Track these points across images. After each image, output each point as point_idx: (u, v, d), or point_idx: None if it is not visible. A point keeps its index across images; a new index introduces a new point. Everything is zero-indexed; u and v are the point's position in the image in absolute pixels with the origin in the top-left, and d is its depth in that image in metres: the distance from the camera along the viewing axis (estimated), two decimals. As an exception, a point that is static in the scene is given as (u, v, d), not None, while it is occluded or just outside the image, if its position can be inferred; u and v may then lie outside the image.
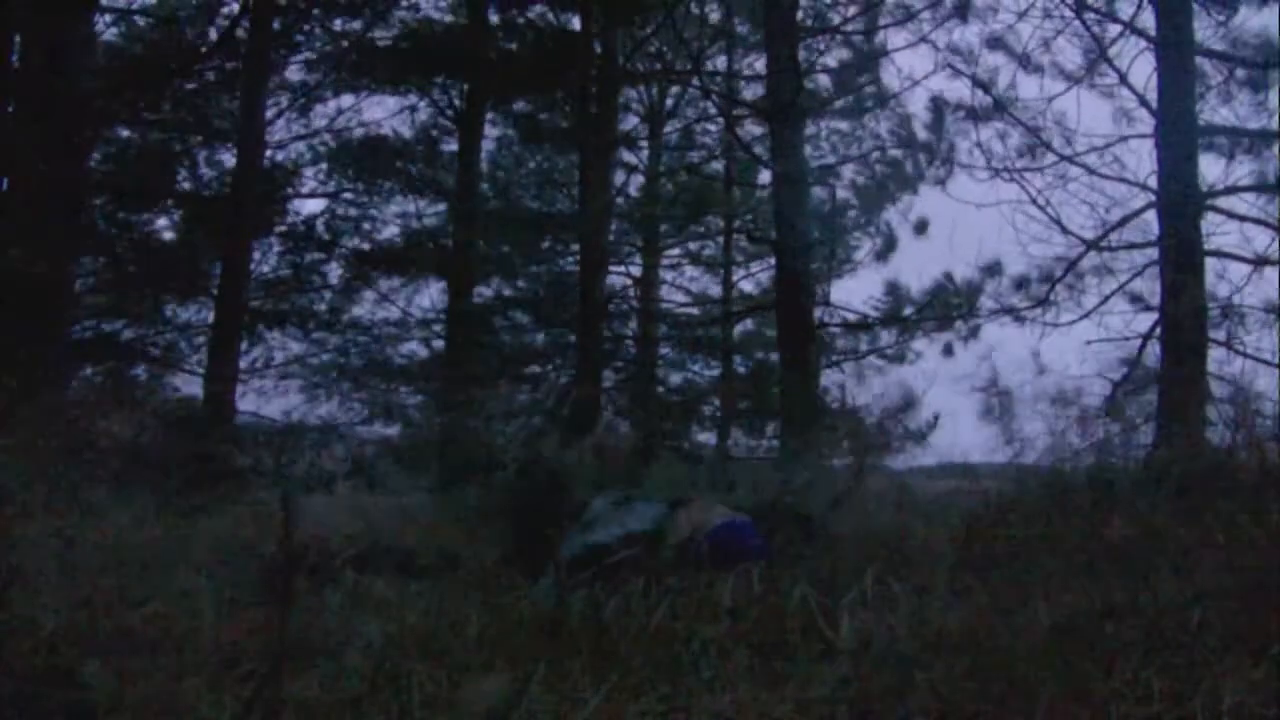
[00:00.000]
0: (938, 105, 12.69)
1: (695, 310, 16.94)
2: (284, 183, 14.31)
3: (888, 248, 14.97)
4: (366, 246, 14.61)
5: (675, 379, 16.46)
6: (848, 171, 15.62)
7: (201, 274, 13.42)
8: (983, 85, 11.80)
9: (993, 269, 12.28)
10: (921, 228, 14.49)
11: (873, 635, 3.11)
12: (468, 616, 3.59)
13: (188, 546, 4.65)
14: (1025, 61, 11.65)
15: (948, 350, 13.54)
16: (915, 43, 11.77)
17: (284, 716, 2.73)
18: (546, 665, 2.98)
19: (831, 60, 13.77)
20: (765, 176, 13.91)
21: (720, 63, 15.62)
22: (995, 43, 11.80)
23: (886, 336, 14.72)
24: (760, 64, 14.29)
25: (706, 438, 16.22)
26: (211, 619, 3.50)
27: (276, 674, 2.79)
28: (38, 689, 2.87)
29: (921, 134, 13.85)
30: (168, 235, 14.01)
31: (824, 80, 14.18)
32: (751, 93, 14.82)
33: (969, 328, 13.20)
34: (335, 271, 14.66)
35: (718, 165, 16.33)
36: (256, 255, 13.82)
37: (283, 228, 14.24)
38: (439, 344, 14.87)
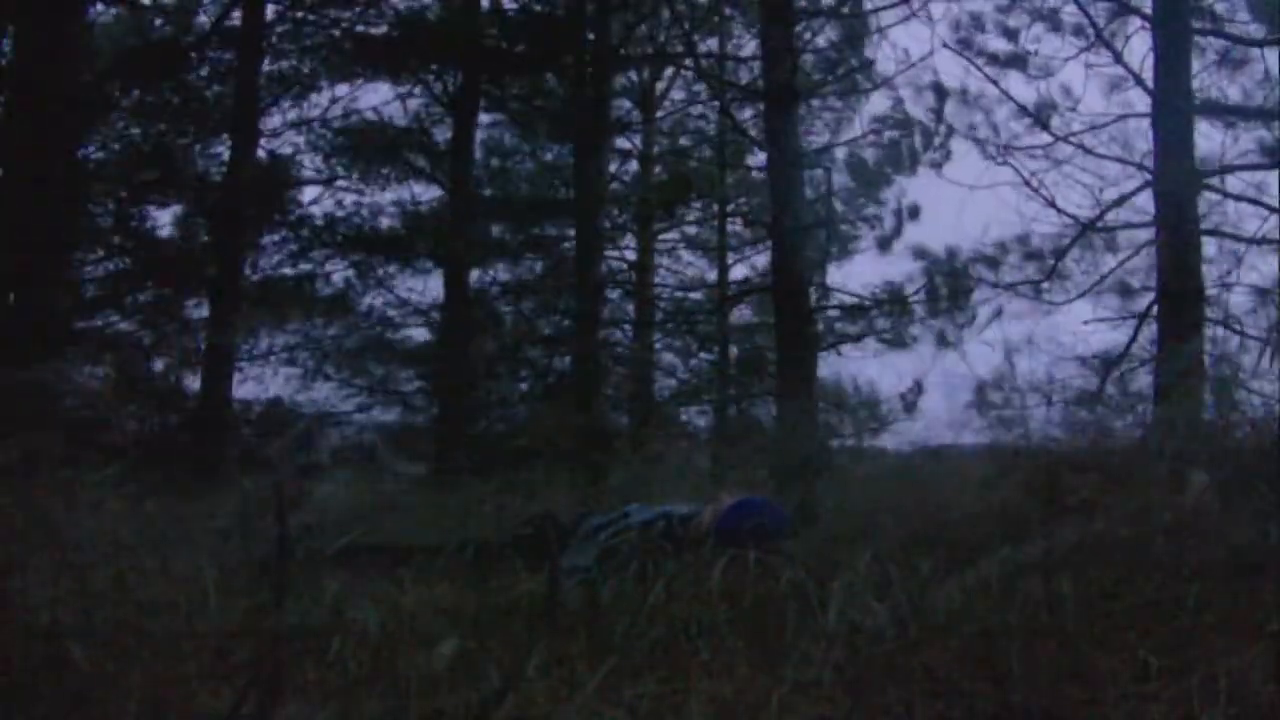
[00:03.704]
0: (938, 88, 12.64)
1: (693, 294, 16.95)
2: (281, 172, 14.29)
3: (888, 236, 14.95)
4: (364, 232, 14.60)
5: (672, 363, 16.47)
6: (842, 154, 15.59)
7: (200, 264, 13.41)
8: (979, 66, 11.76)
9: (995, 247, 12.23)
10: (914, 213, 14.46)
11: (867, 617, 3.11)
12: (463, 601, 3.59)
13: (183, 534, 4.65)
14: (1016, 39, 11.60)
15: (941, 339, 13.51)
16: (908, 17, 11.65)
17: (281, 703, 2.73)
18: (543, 649, 2.98)
19: (825, 41, 13.72)
20: (760, 159, 13.87)
21: (713, 45, 15.57)
22: (995, 17, 11.75)
23: (884, 321, 14.71)
24: (753, 46, 14.26)
25: (703, 421, 16.26)
26: (209, 607, 3.50)
27: (273, 661, 2.79)
28: (33, 679, 2.87)
29: (918, 115, 13.84)
30: (167, 227, 14.00)
31: (818, 61, 14.12)
32: (745, 75, 14.79)
33: (966, 310, 13.16)
34: (333, 258, 14.65)
35: (710, 150, 16.30)
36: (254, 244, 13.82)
37: (280, 217, 14.22)
38: (436, 330, 14.87)
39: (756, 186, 15.22)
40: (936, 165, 13.69)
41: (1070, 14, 11.49)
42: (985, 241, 12.21)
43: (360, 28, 14.01)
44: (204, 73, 13.54)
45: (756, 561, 3.86)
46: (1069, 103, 11.52)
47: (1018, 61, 11.66)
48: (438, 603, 3.64)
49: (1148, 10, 10.74)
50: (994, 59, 11.70)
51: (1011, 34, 11.75)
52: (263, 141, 13.69)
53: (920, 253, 13.17)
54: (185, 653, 3.09)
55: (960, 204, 14.16)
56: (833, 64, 13.85)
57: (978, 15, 11.78)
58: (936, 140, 13.72)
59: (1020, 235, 11.84)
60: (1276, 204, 10.66)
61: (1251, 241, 10.81)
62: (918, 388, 13.37)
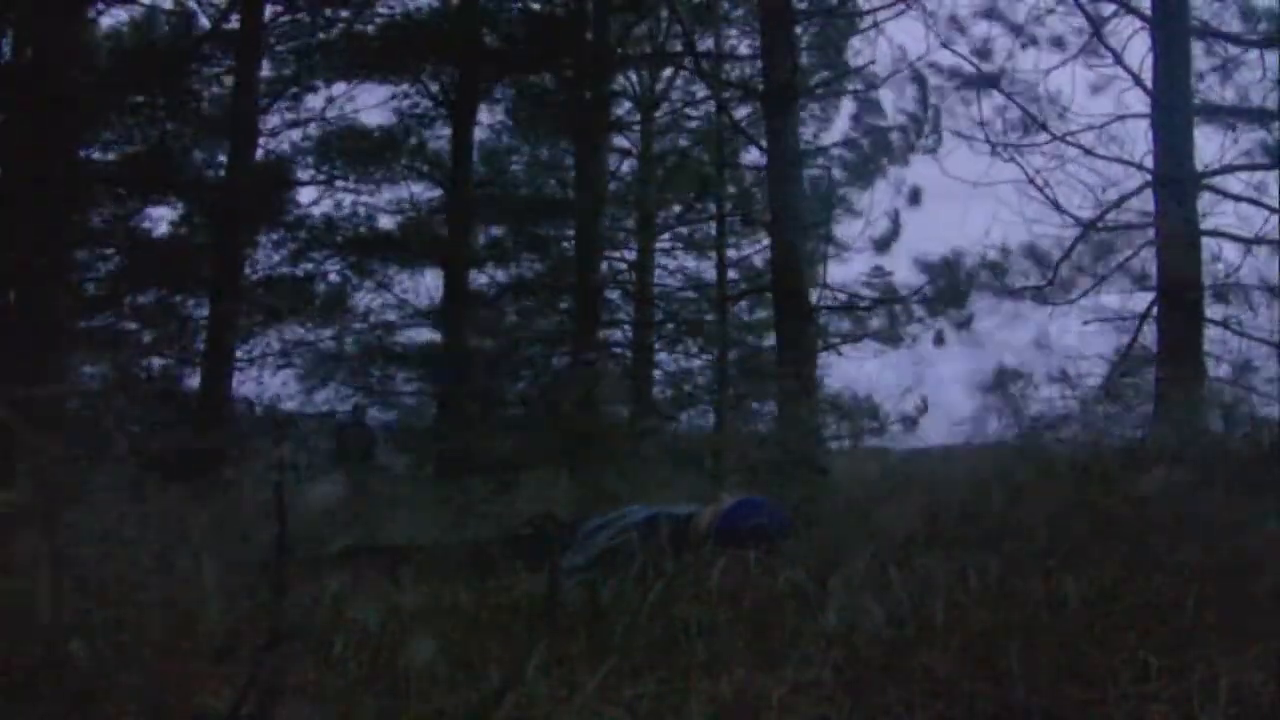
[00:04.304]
0: (919, 77, 12.61)
1: (691, 293, 16.93)
2: (279, 173, 14.30)
3: (887, 234, 14.93)
4: (363, 233, 14.60)
5: (672, 362, 16.45)
6: (840, 152, 15.57)
7: (199, 265, 13.41)
8: (984, 68, 11.75)
9: (994, 249, 12.20)
10: (915, 197, 14.43)
11: (867, 617, 3.11)
12: (463, 601, 3.59)
13: (183, 534, 4.65)
14: (1019, 33, 11.59)
15: (939, 338, 13.51)
16: (901, 12, 11.64)
17: (281, 702, 2.73)
18: (543, 649, 2.98)
19: (823, 40, 13.71)
20: (759, 158, 13.84)
21: (711, 44, 15.54)
22: (990, 16, 11.74)
23: (881, 319, 14.70)
24: (752, 45, 14.25)
25: (703, 421, 16.24)
26: (209, 606, 3.50)
27: (273, 660, 2.79)
28: (33, 679, 2.87)
29: (915, 111, 13.83)
30: (165, 227, 14.00)
31: (817, 59, 14.12)
32: (742, 73, 14.79)
33: (966, 309, 13.15)
34: (332, 258, 14.66)
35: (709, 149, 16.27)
36: (253, 244, 13.82)
37: (279, 217, 14.22)
38: (436, 331, 14.86)
39: (756, 186, 15.19)
40: (930, 151, 13.67)
41: (1060, 16, 11.49)
42: (986, 244, 12.20)
43: (359, 27, 14.01)
44: (203, 74, 13.55)
45: (756, 561, 3.86)
46: (1057, 108, 11.51)
47: (992, 80, 11.66)
48: (438, 603, 3.64)
49: (1147, 11, 10.74)
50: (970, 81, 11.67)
51: (986, 54, 11.76)
52: (261, 142, 13.70)
53: (922, 257, 13.16)
54: (185, 653, 3.08)
55: (959, 205, 14.14)
56: (830, 63, 13.85)
57: (959, 20, 11.75)
58: (926, 127, 13.70)
59: (1019, 237, 11.84)
60: (1276, 204, 10.66)
61: (1251, 241, 10.81)
62: (924, 404, 13.33)
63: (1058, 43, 11.58)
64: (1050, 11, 11.53)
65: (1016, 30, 11.63)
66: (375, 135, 14.54)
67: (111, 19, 13.61)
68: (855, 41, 13.38)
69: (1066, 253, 11.59)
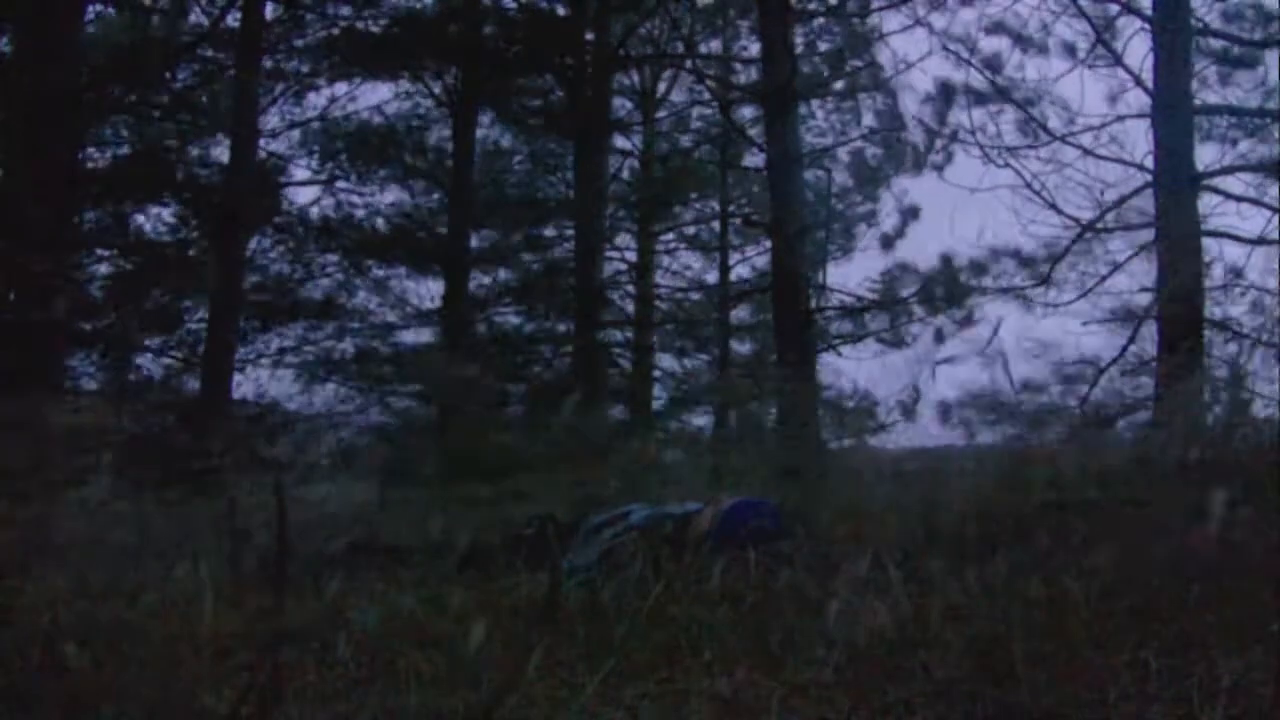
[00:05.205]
0: (945, 89, 12.53)
1: (693, 295, 16.91)
2: (279, 173, 14.28)
3: (891, 236, 14.87)
4: (363, 233, 14.57)
5: (672, 364, 16.43)
6: (843, 155, 15.53)
7: (197, 266, 13.38)
8: (978, 66, 11.72)
9: (993, 250, 12.13)
10: (914, 213, 14.37)
11: (867, 617, 3.11)
12: (462, 603, 3.58)
13: (183, 537, 4.65)
14: (1020, 39, 11.55)
15: (939, 337, 13.44)
16: (910, 26, 11.62)
17: (281, 703, 2.73)
18: (544, 650, 2.98)
19: (825, 43, 13.68)
20: (759, 160, 13.81)
21: (714, 46, 15.54)
22: (993, 25, 11.70)
23: (882, 320, 14.65)
24: (754, 47, 14.24)
25: (704, 422, 16.22)
26: (208, 608, 3.50)
27: (273, 661, 2.79)
28: (33, 680, 2.87)
29: (917, 117, 13.77)
30: (164, 228, 13.97)
31: (818, 63, 14.08)
32: (745, 76, 14.79)
33: (965, 309, 13.10)
34: (330, 260, 14.64)
35: (710, 148, 16.25)
36: (252, 245, 13.79)
37: (278, 218, 14.20)
38: (435, 331, 14.84)
39: (757, 188, 15.17)
40: (938, 168, 13.60)
41: (1064, 22, 11.45)
42: (983, 245, 12.15)
43: (360, 25, 13.98)
44: (202, 73, 13.52)
45: (756, 562, 3.87)
46: (1058, 110, 11.47)
47: (1000, 94, 11.60)
48: (438, 603, 3.64)
49: (1148, 11, 10.73)
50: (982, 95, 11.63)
51: (996, 65, 11.70)
52: (261, 142, 13.67)
53: (920, 257, 13.09)
54: (186, 654, 3.08)
55: (958, 206, 14.06)
56: (832, 66, 13.80)
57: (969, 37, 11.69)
58: (939, 143, 13.62)
59: (1018, 239, 11.79)
60: (1276, 204, 10.65)
61: (1252, 242, 10.80)
62: (915, 393, 13.25)
63: (1060, 52, 11.54)
64: (1057, 16, 11.49)
65: (1024, 40, 11.57)
66: (375, 134, 14.51)
67: (110, 17, 13.59)
68: (864, 48, 13.30)
69: (1063, 252, 11.57)
